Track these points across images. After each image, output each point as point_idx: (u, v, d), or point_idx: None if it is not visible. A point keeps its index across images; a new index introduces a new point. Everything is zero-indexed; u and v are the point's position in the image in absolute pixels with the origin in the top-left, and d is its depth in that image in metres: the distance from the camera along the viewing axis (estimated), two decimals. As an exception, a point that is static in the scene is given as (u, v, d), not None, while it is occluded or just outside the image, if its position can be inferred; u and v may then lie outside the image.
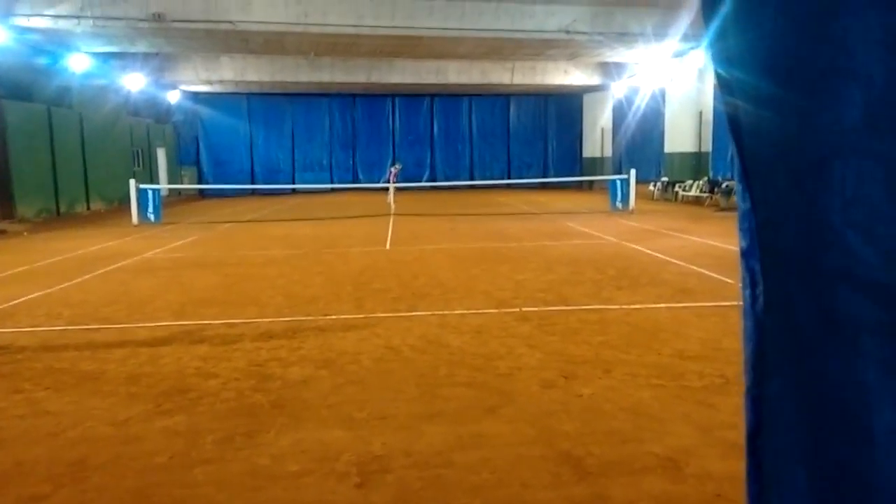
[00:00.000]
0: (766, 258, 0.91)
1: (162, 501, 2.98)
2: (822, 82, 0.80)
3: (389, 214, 18.04)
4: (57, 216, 19.34)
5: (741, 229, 0.94)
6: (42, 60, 19.34)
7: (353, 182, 33.16)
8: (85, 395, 4.38)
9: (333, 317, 6.46)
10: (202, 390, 4.42)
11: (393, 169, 25.41)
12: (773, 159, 0.88)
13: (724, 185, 19.04)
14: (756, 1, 0.86)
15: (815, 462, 0.89)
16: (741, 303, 0.97)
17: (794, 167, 0.85)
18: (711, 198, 19.52)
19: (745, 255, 0.94)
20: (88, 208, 21.59)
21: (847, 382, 0.84)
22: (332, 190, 31.33)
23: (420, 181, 28.84)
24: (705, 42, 0.98)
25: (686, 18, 18.44)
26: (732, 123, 0.92)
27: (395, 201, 20.40)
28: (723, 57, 0.92)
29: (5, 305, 7.22)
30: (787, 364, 0.91)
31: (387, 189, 21.11)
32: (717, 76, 0.93)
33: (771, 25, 0.85)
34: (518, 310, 6.59)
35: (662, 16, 18.82)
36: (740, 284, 0.96)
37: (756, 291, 0.93)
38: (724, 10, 0.90)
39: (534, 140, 35.80)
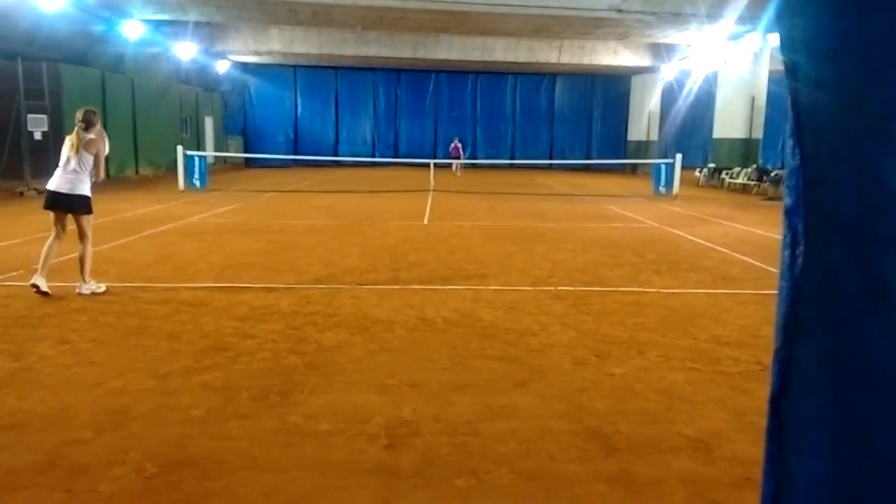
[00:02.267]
0: (810, 217, 0.88)
1: (197, 452, 3.08)
2: (889, 37, 0.76)
3: (429, 190, 18.06)
4: (107, 179, 19.87)
5: (787, 186, 0.91)
6: (98, 27, 19.79)
7: (395, 157, 33.24)
8: (128, 349, 4.53)
9: (369, 286, 6.53)
10: (240, 349, 4.53)
11: (459, 144, 27.70)
12: (829, 114, 0.84)
13: (773, 174, 18.51)
14: None
15: (841, 427, 0.87)
16: (780, 262, 0.95)
17: (851, 123, 0.81)
18: (759, 186, 18.99)
19: (789, 213, 0.91)
20: (137, 173, 22.13)
21: (889, 351, 0.81)
22: (374, 164, 31.46)
23: (461, 159, 28.75)
24: (770, 15, 0.92)
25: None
26: (790, 77, 0.88)
27: (443, 175, 20.42)
28: (785, 11, 0.88)
29: (55, 261, 7.45)
30: (823, 328, 0.88)
31: (429, 164, 21.12)
32: (779, 26, 0.89)
33: None
34: (553, 288, 6.56)
35: (718, -4, 18.22)
36: (781, 244, 0.93)
37: (796, 252, 0.90)
38: None
39: (578, 121, 35.29)
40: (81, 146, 5.95)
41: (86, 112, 6.09)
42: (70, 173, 5.94)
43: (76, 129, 6.03)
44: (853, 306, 0.84)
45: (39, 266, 5.87)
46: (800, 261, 0.90)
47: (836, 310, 0.87)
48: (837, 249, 0.85)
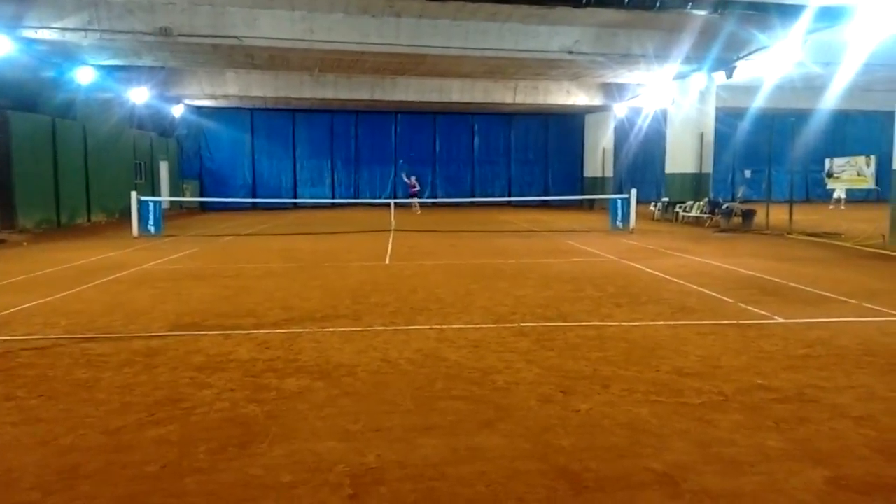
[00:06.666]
0: None
1: (152, 510, 2.94)
2: None
3: (390, 230, 18.05)
4: (58, 227, 19.35)
5: None
6: (48, 72, 19.48)
7: (355, 198, 33.27)
8: (78, 404, 4.34)
9: (331, 329, 6.43)
10: (196, 400, 4.38)
11: (412, 180, 27.61)
12: None
13: (724, 206, 19.05)
14: None
15: None
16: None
17: None
18: (712, 218, 19.53)
19: None
20: (89, 220, 21.61)
21: None
22: (333, 205, 31.39)
23: (421, 198, 28.92)
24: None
25: (688, 41, 18.57)
26: None
27: (404, 215, 20.40)
28: None
29: (2, 314, 7.19)
30: None
31: (390, 205, 21.16)
32: None
33: None
34: (516, 325, 6.56)
35: (664, 38, 18.96)
36: None
37: None
38: None
39: (535, 159, 36.02)
40: None
41: None
42: None
43: None
44: None
45: None
46: None
47: None
48: None
